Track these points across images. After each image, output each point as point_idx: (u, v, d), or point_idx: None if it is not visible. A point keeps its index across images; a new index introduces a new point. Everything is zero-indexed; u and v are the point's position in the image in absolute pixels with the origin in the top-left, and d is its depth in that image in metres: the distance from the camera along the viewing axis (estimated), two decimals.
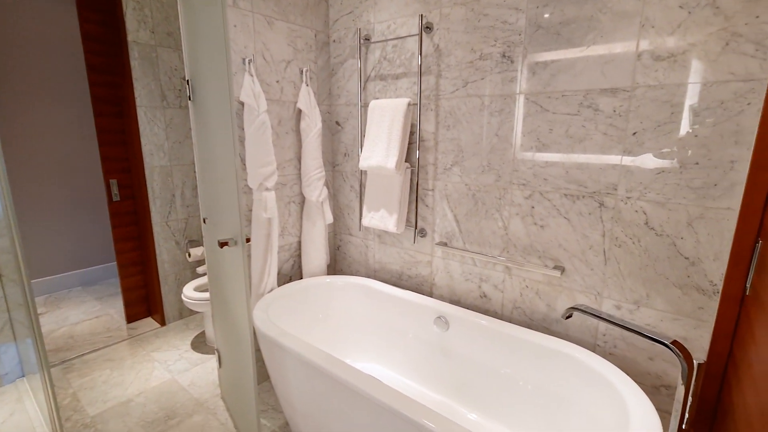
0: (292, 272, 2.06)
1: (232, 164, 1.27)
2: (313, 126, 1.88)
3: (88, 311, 2.81)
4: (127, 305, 2.60)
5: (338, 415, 1.26)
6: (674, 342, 0.75)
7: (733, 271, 1.10)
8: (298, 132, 1.94)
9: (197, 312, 2.79)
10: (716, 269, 1.15)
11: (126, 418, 1.76)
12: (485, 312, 1.69)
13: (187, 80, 1.58)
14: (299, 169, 1.98)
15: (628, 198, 1.27)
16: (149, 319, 2.68)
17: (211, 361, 2.21)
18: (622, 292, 1.33)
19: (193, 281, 2.37)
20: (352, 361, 1.94)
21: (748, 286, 1.07)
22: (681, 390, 0.75)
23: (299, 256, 2.08)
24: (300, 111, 1.90)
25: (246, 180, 1.75)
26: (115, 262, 3.24)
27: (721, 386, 1.17)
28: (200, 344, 2.39)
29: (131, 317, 2.63)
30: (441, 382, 1.69)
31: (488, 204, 1.59)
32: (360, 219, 2.02)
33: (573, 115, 1.33)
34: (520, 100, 1.43)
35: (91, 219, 3.28)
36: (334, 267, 2.30)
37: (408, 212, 1.86)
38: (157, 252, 2.52)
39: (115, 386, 1.98)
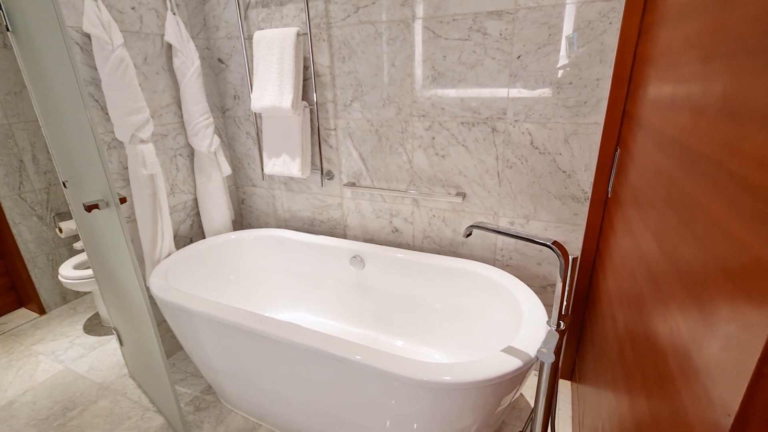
0: (192, 233, 1.88)
1: (82, 113, 1.04)
2: (189, 64, 1.63)
3: None
4: None
5: (263, 367, 1.24)
6: (554, 242, 0.85)
7: (599, 179, 1.27)
8: (172, 72, 1.67)
9: (85, 292, 2.45)
10: (587, 179, 1.32)
11: (11, 421, 1.52)
12: (398, 246, 1.75)
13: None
14: (181, 116, 1.73)
15: (516, 121, 1.35)
16: (23, 310, 2.28)
17: (111, 342, 1.99)
18: (515, 209, 1.46)
19: (71, 259, 2.04)
20: (272, 313, 1.90)
21: (609, 190, 1.25)
22: (559, 283, 0.87)
23: (198, 214, 1.89)
24: (170, 46, 1.62)
25: (114, 132, 1.48)
26: None
27: (591, 276, 1.40)
28: (95, 326, 2.12)
29: None
30: (363, 318, 1.76)
31: (392, 139, 1.58)
32: (261, 167, 1.88)
33: (464, 41, 1.33)
34: (416, 26, 1.39)
35: None
36: (241, 222, 2.15)
37: (312, 155, 1.77)
38: (15, 231, 2.09)
39: None
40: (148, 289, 1.53)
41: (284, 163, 1.73)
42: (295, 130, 1.66)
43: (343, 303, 1.79)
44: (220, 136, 1.94)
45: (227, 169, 1.84)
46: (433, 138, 1.50)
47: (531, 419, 0.98)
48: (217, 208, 1.85)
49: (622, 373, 0.78)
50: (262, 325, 1.16)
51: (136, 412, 1.54)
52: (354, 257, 1.68)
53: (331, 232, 1.89)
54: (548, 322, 0.92)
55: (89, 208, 1.07)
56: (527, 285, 1.52)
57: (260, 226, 2.10)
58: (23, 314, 2.24)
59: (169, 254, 1.65)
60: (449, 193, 1.55)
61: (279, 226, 2.04)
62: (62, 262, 2.26)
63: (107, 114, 1.46)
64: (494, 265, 1.58)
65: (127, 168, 1.55)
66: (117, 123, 1.43)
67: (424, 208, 1.63)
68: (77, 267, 1.99)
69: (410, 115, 1.51)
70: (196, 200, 1.87)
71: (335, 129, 1.68)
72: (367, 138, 1.63)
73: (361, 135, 1.64)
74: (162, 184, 1.56)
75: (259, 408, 1.40)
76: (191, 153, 1.81)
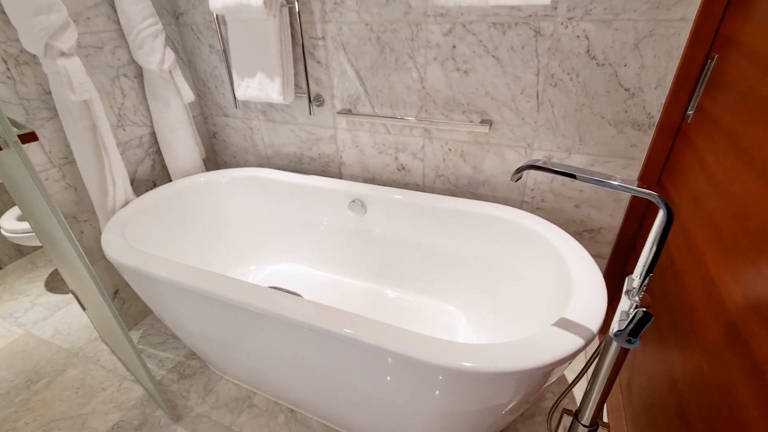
0: (154, 175, 1.56)
1: None
2: None
3: None
4: None
5: (245, 340, 1.02)
6: (659, 193, 0.59)
7: (674, 98, 0.97)
8: None
9: (39, 246, 2.15)
10: (656, 98, 1.02)
11: None
12: (405, 186, 1.47)
13: None
14: (118, 21, 1.31)
15: (569, 19, 1.01)
16: None
17: (73, 305, 1.75)
18: (554, 140, 1.17)
19: (14, 208, 1.72)
20: (259, 266, 1.66)
21: (690, 113, 0.96)
22: (649, 248, 0.62)
23: (159, 152, 1.55)
24: None
25: (20, 41, 1.08)
26: None
27: (641, 219, 1.17)
28: (58, 283, 1.87)
29: None
30: (366, 270, 1.53)
31: (398, 50, 1.22)
32: (233, 91, 1.50)
33: None
34: None
35: None
36: (215, 161, 1.82)
37: (295, 74, 1.40)
38: None
39: None
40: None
41: (260, 84, 1.36)
42: (271, 39, 1.27)
43: (341, 253, 1.55)
44: (175, 51, 1.53)
45: (189, 94, 1.47)
46: (454, 47, 1.15)
47: (573, 393, 0.80)
48: (181, 143, 1.50)
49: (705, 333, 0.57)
50: (238, 293, 0.91)
51: (112, 382, 1.35)
52: (353, 201, 1.41)
53: (324, 171, 1.59)
54: (628, 295, 0.69)
55: None
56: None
57: (238, 165, 1.78)
58: None
59: (126, 202, 1.35)
60: (471, 121, 1.24)
61: (260, 165, 1.72)
62: (5, 210, 1.94)
63: (5, 13, 1.05)
64: (522, 208, 1.32)
65: (50, 93, 1.18)
66: (20, 27, 1.03)
67: (437, 140, 1.32)
68: (22, 218, 1.68)
69: (424, 14, 1.14)
70: (154, 134, 1.51)
71: (323, 37, 1.30)
72: (366, 49, 1.26)
73: (358, 45, 1.26)
74: (102, 114, 1.21)
75: (251, 375, 1.22)
76: (140, 73, 1.41)
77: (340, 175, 1.57)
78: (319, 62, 1.35)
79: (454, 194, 1.40)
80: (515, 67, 1.11)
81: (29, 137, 0.79)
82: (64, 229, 0.83)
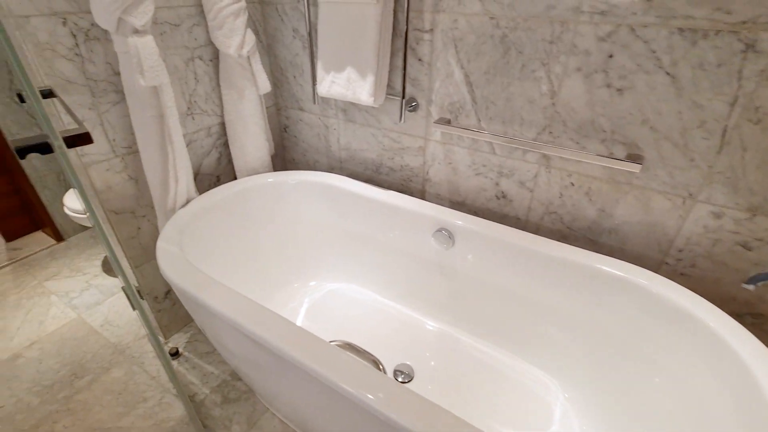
0: (219, 170, 1.42)
1: None
2: None
3: None
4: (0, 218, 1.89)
5: (298, 390, 0.84)
6: None
7: None
8: None
9: None
10: None
11: (12, 383, 1.28)
12: (502, 218, 1.21)
13: None
14: None
15: None
16: (39, 234, 2.01)
17: None
18: (733, 194, 0.86)
19: None
20: (319, 282, 1.49)
21: None
22: None
23: (227, 144, 1.41)
24: None
25: (91, 13, 0.94)
26: None
27: None
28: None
29: (11, 233, 1.95)
30: (441, 309, 1.31)
31: (528, 53, 0.95)
32: (313, 85, 1.31)
33: None
34: None
35: None
36: (283, 157, 1.66)
37: (390, 72, 1.18)
38: (11, 144, 1.70)
39: None
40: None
41: (348, 81, 1.15)
42: (370, 28, 1.05)
43: (414, 284, 1.34)
44: (256, 33, 1.36)
45: (265, 84, 1.29)
46: (610, 56, 0.87)
47: None
48: (251, 137, 1.34)
49: None
50: (304, 354, 0.72)
51: (154, 393, 1.25)
52: (439, 230, 1.18)
53: (404, 185, 1.37)
54: None
55: (21, 153, 0.59)
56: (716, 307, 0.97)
57: (307, 164, 1.60)
58: (40, 239, 1.98)
59: (188, 201, 1.21)
60: (612, 153, 0.96)
61: (332, 167, 1.53)
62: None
63: None
64: (659, 271, 1.03)
65: (119, 74, 1.04)
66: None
67: (557, 170, 1.05)
68: None
69: (576, 10, 0.86)
70: (224, 125, 1.37)
71: (431, 30, 1.06)
72: (485, 49, 1.01)
73: (475, 43, 1.01)
74: (171, 103, 1.06)
75: (300, 418, 1.05)
76: (216, 56, 1.26)
77: (422, 193, 1.34)
78: (420, 60, 1.12)
79: (564, 237, 1.13)
80: (698, 92, 0.81)
81: (83, 139, 0.63)
82: (105, 241, 0.67)
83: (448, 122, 1.14)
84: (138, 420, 1.17)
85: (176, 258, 0.97)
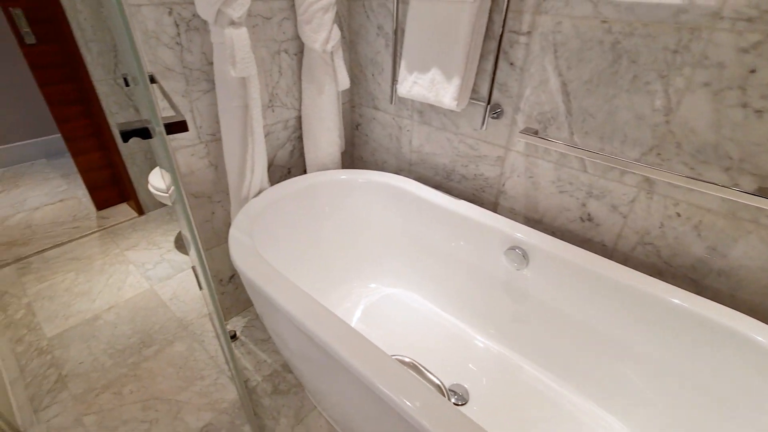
0: (291, 162, 1.44)
1: None
2: None
3: (52, 192, 2.32)
4: (93, 189, 2.08)
5: (349, 393, 0.81)
6: None
7: None
8: None
9: None
10: None
11: (91, 343, 1.39)
12: (584, 242, 1.10)
13: None
14: None
15: None
16: (124, 206, 2.19)
17: None
18: None
19: None
20: (378, 286, 1.46)
21: None
22: None
23: (301, 138, 1.42)
24: None
25: (194, 2, 0.98)
26: None
27: None
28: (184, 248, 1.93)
29: (102, 203, 2.14)
30: (504, 332, 1.23)
31: (643, 63, 0.84)
32: (393, 84, 1.28)
33: None
34: None
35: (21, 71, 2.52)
36: (351, 154, 1.65)
37: (476, 75, 1.11)
38: (112, 122, 1.86)
39: (80, 296, 1.59)
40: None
41: (432, 83, 1.10)
42: (462, 27, 0.99)
43: (478, 302, 1.26)
44: (340, 29, 1.35)
45: (345, 81, 1.28)
46: (752, 71, 0.74)
47: None
48: (325, 133, 1.34)
49: None
50: (366, 365, 0.68)
51: (211, 372, 1.29)
52: (512, 249, 1.09)
53: (475, 195, 1.30)
54: None
55: (125, 136, 0.61)
56: None
57: (375, 164, 1.58)
58: (124, 211, 2.15)
59: (260, 191, 1.23)
60: (736, 185, 0.82)
61: (400, 169, 1.49)
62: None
63: None
64: None
65: (212, 64, 1.08)
66: None
67: (662, 197, 0.92)
68: None
69: (713, 16, 0.74)
70: (300, 119, 1.38)
71: (529, 32, 0.98)
72: (590, 56, 0.91)
73: (579, 49, 0.92)
74: (257, 95, 1.08)
75: (345, 420, 1.02)
76: (300, 50, 1.27)
77: (495, 205, 1.26)
78: (512, 64, 1.04)
79: (659, 273, 1.00)
80: None
81: (179, 127, 0.64)
82: (188, 224, 0.68)
83: (535, 133, 1.05)
84: (194, 397, 1.22)
85: (246, 248, 0.98)
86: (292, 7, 1.18)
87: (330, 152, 1.38)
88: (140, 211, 2.11)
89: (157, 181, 1.64)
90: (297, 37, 1.24)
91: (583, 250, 1.02)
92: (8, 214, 2.10)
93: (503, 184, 1.21)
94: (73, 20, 1.61)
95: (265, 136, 1.30)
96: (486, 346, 1.25)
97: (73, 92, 1.83)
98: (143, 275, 1.71)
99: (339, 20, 1.33)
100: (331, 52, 1.22)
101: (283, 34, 1.20)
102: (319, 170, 1.40)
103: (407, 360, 1.21)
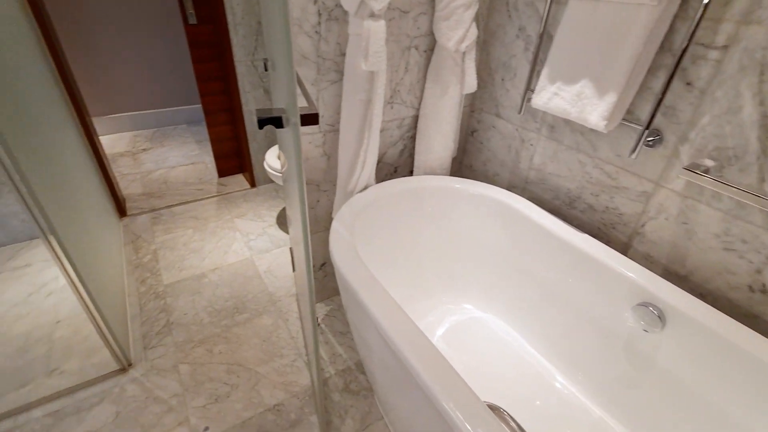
0: (399, 162, 1.40)
1: None
2: None
3: (187, 155, 2.64)
4: (218, 158, 2.30)
5: (410, 407, 0.74)
6: None
7: None
8: None
9: None
10: None
11: (196, 298, 1.53)
12: (746, 318, 0.87)
13: None
14: None
15: None
16: (240, 177, 2.40)
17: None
18: None
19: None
20: (473, 307, 1.36)
21: None
22: None
23: (413, 138, 1.37)
24: None
25: None
26: None
27: None
28: (284, 226, 2.04)
29: (223, 171, 2.37)
30: (612, 396, 1.04)
31: None
32: (526, 92, 1.15)
33: None
34: None
35: (184, 48, 2.89)
36: (461, 160, 1.56)
37: (636, 93, 0.93)
38: (243, 100, 2.03)
39: (194, 252, 1.77)
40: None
41: (578, 97, 0.95)
42: (634, 35, 0.83)
43: (583, 354, 1.09)
44: (477, 27, 1.26)
45: (472, 84, 1.19)
46: None
47: None
48: (439, 136, 1.27)
49: None
50: (456, 405, 0.60)
51: (289, 352, 1.33)
52: (644, 305, 0.91)
53: (601, 231, 1.11)
54: None
55: (261, 123, 0.61)
56: None
57: (485, 175, 1.46)
58: (239, 181, 2.35)
59: (366, 187, 1.21)
60: None
61: (512, 185, 1.36)
62: (275, 143, 2.20)
63: None
64: None
65: (344, 54, 1.07)
66: None
67: None
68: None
69: None
70: (416, 119, 1.33)
71: (725, 47, 0.78)
72: None
73: None
74: (382, 90, 1.04)
75: None
76: (430, 47, 1.21)
77: (626, 247, 1.07)
78: (689, 84, 0.84)
79: None
80: None
81: (311, 119, 0.63)
82: (302, 210, 0.66)
83: (706, 171, 0.84)
84: (272, 372, 1.26)
85: (346, 244, 0.96)
86: (431, 1, 1.12)
87: (441, 156, 1.31)
88: (252, 184, 2.29)
89: (273, 159, 1.74)
90: (429, 34, 1.18)
91: (746, 328, 0.80)
92: (152, 168, 2.44)
93: (642, 225, 1.01)
94: (228, 3, 1.77)
95: (380, 131, 1.28)
96: (585, 406, 1.07)
97: (217, 70, 2.03)
98: (246, 244, 1.84)
99: (476, 19, 1.24)
100: (464, 53, 1.14)
101: (417, 30, 1.15)
102: (425, 173, 1.34)
103: (493, 405, 1.10)
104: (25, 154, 0.92)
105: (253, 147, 2.18)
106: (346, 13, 1.01)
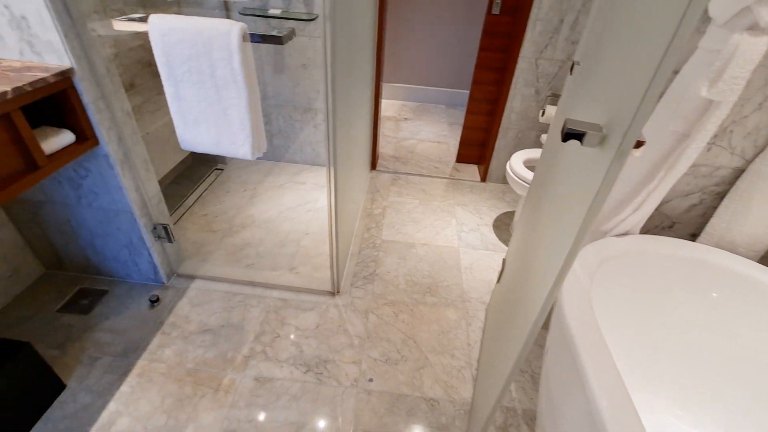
0: (683, 218, 1.08)
1: None
2: None
3: (437, 133, 2.84)
4: (462, 143, 2.38)
5: None
6: None
7: None
8: None
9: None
10: None
11: (401, 262, 1.67)
12: None
13: None
14: None
15: None
16: (474, 168, 2.42)
17: (501, 255, 1.77)
18: None
19: (528, 150, 1.78)
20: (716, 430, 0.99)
21: None
22: None
23: (720, 195, 1.03)
24: None
25: None
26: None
27: None
28: (503, 225, 1.95)
29: (461, 157, 2.44)
30: None
31: None
32: None
33: None
34: None
35: (474, 36, 3.02)
36: None
37: None
38: (510, 95, 1.98)
39: (413, 222, 1.91)
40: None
41: None
42: None
43: None
44: None
45: None
46: None
47: None
48: (764, 205, 0.90)
49: None
50: None
51: (460, 358, 1.29)
52: None
53: None
54: None
55: (565, 136, 0.53)
56: None
57: None
58: (471, 172, 2.38)
59: (627, 233, 0.99)
60: None
61: None
62: (523, 147, 2.10)
63: None
64: None
65: (676, 72, 0.86)
66: None
67: None
68: (527, 163, 1.72)
69: None
70: (738, 173, 0.98)
71: None
72: None
73: None
74: (714, 126, 0.79)
75: None
76: None
77: None
78: None
79: None
80: None
81: (639, 144, 0.51)
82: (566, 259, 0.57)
83: None
84: (439, 366, 1.26)
85: (581, 290, 0.81)
86: None
87: (757, 233, 0.94)
88: (483, 178, 2.28)
89: (517, 164, 1.65)
90: None
91: None
92: (406, 136, 2.75)
93: None
94: None
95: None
96: None
97: (498, 61, 2.04)
98: (458, 233, 1.86)
99: None
100: None
101: None
102: (718, 245, 0.99)
103: None
104: (341, 99, 1.12)
105: (499, 143, 2.14)
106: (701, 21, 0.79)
